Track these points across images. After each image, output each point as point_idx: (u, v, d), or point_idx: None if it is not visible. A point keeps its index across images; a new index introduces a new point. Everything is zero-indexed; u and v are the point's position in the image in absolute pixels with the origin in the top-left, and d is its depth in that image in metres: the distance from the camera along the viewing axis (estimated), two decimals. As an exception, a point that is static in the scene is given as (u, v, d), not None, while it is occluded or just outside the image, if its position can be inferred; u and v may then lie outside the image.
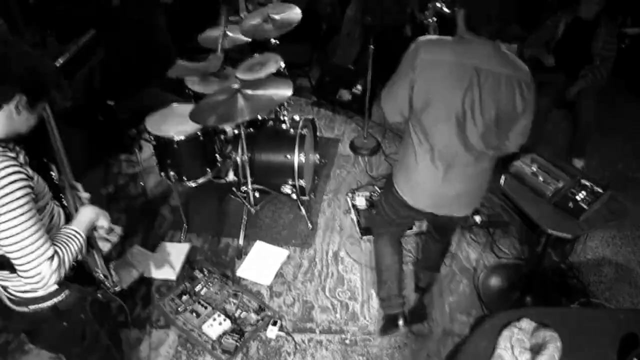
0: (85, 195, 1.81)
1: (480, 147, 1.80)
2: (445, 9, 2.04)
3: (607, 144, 3.80)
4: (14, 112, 1.39)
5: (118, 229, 3.02)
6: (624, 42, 4.25)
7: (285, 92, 2.56)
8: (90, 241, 1.72)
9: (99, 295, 1.70)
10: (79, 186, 1.83)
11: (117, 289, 1.76)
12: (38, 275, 1.37)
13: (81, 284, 1.62)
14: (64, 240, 1.48)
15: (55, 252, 1.42)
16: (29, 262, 1.36)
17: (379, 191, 3.21)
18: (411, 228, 2.92)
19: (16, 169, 1.36)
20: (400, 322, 2.33)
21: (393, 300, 2.35)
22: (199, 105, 2.60)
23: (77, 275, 1.59)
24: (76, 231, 1.54)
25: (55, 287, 1.55)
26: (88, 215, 1.64)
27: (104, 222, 1.69)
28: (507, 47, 3.52)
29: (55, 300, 1.59)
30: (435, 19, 2.06)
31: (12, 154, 1.40)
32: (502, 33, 1.71)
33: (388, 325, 2.40)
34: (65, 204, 1.71)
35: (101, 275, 1.70)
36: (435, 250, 2.55)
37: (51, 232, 1.54)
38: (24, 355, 2.36)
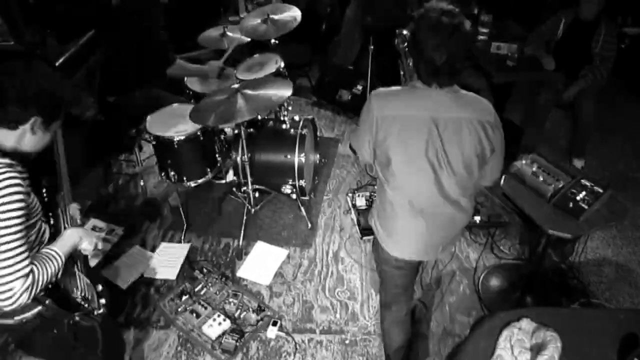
0: (75, 206, 1.82)
1: (457, 194, 1.72)
2: None
3: (607, 144, 3.80)
4: (28, 132, 1.44)
5: (118, 229, 3.04)
6: (624, 42, 4.26)
7: (284, 92, 2.55)
8: (76, 261, 1.73)
9: (76, 317, 1.67)
10: (73, 208, 1.83)
11: (101, 311, 1.74)
12: (9, 291, 1.37)
13: (59, 306, 1.61)
14: (43, 260, 1.48)
15: (32, 270, 1.42)
16: (3, 276, 1.36)
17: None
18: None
19: (18, 181, 1.39)
20: None
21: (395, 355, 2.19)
22: (198, 105, 2.59)
23: (54, 296, 1.58)
24: (57, 252, 1.54)
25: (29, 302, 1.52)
26: (72, 238, 1.64)
27: (87, 245, 1.69)
28: (507, 47, 3.56)
29: (20, 317, 1.57)
30: (405, 44, 2.03)
31: (19, 168, 1.43)
32: (455, 79, 1.62)
33: None
34: (53, 222, 1.72)
35: (79, 298, 1.67)
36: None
37: (34, 250, 1.55)
38: (24, 356, 2.35)
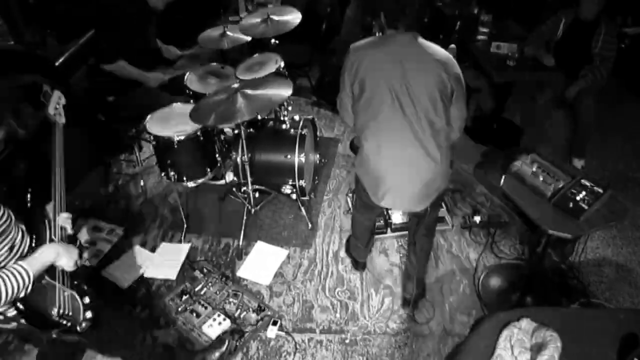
0: (65, 216, 1.78)
1: (426, 129, 1.92)
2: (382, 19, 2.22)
3: (607, 143, 3.80)
4: None
5: (118, 229, 3.04)
6: (624, 42, 4.25)
7: (284, 92, 2.55)
8: (57, 275, 1.67)
9: (53, 335, 1.65)
10: (63, 218, 1.78)
11: (84, 325, 1.69)
12: None
13: (34, 325, 1.59)
14: (4, 276, 1.46)
15: None
16: None
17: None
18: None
19: None
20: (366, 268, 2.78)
21: (361, 251, 2.71)
22: (198, 105, 2.59)
23: (28, 315, 1.56)
24: (24, 268, 1.50)
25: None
26: (46, 255, 1.60)
27: (66, 262, 1.65)
28: (507, 47, 3.55)
29: (12, 325, 1.57)
30: (381, 33, 2.24)
31: None
32: (418, 23, 1.95)
33: (356, 266, 2.81)
34: (35, 235, 1.69)
35: (55, 316, 1.63)
36: (420, 249, 2.45)
37: (7, 263, 1.53)
38: (24, 356, 2.35)
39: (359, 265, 2.81)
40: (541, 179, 2.20)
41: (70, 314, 1.67)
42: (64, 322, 1.64)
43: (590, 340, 1.62)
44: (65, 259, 1.64)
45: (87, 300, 1.72)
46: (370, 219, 2.57)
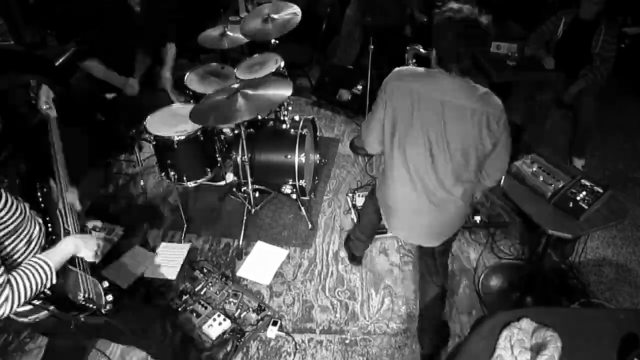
0: (72, 192, 1.83)
1: (450, 179, 1.82)
2: (422, 50, 2.14)
3: (607, 143, 3.80)
4: None
5: (118, 229, 3.04)
6: (624, 42, 4.26)
7: (284, 92, 2.55)
8: (78, 262, 1.71)
9: (82, 318, 1.68)
10: (70, 196, 1.83)
11: (108, 308, 1.74)
12: None
13: (62, 310, 1.61)
14: (26, 270, 1.47)
15: (8, 281, 1.41)
16: None
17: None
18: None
19: None
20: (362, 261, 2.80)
21: (359, 245, 2.72)
22: (198, 105, 2.59)
23: (56, 302, 1.59)
24: (45, 262, 1.52)
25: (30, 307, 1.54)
26: (66, 248, 1.63)
27: (86, 252, 1.68)
28: (507, 47, 3.55)
29: (33, 317, 1.59)
30: (414, 60, 2.18)
31: None
32: (470, 70, 1.75)
33: (352, 260, 2.84)
34: (50, 226, 1.71)
35: (82, 300, 1.67)
36: (433, 287, 2.23)
37: (26, 258, 1.54)
38: (24, 355, 2.36)
39: (355, 259, 2.83)
40: (541, 179, 2.20)
41: (94, 297, 1.71)
42: (90, 305, 1.68)
43: (590, 340, 1.62)
44: (85, 250, 1.68)
45: (106, 284, 1.77)
46: (378, 217, 2.46)
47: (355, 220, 3.09)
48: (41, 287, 1.50)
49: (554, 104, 3.46)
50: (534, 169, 2.25)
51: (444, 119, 1.72)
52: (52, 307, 1.57)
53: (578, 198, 2.10)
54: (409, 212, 1.97)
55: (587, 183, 2.17)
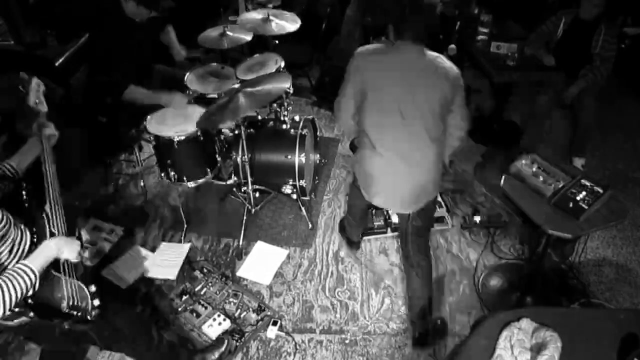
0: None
1: (422, 140, 1.99)
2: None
3: (608, 143, 3.80)
4: None
5: (118, 229, 3.04)
6: (624, 42, 4.25)
7: (283, 84, 2.58)
8: (63, 268, 1.68)
9: (66, 326, 1.66)
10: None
11: (94, 313, 1.71)
12: None
13: (44, 317, 1.60)
14: (9, 277, 1.46)
15: None
16: None
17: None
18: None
19: None
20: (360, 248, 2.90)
21: (353, 229, 2.80)
22: (205, 113, 2.59)
23: (37, 309, 1.57)
24: (28, 267, 1.51)
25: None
26: (48, 250, 1.61)
27: (68, 254, 1.65)
28: (507, 47, 3.55)
29: (18, 321, 1.58)
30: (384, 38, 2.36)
31: None
32: (425, 37, 1.95)
33: (350, 246, 2.91)
34: (36, 231, 1.69)
35: (66, 308, 1.65)
36: (418, 267, 2.29)
37: (10, 264, 1.53)
38: (24, 356, 2.36)
39: (353, 245, 2.89)
40: (541, 179, 2.20)
41: (80, 304, 1.68)
42: (75, 312, 1.66)
43: (590, 340, 1.62)
44: (67, 250, 1.65)
45: (93, 288, 1.73)
46: (363, 202, 2.46)
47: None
48: (25, 292, 1.49)
49: (554, 104, 3.46)
50: (534, 169, 2.25)
51: (408, 84, 1.92)
52: (31, 314, 1.56)
53: (578, 198, 2.10)
54: (386, 176, 2.10)
55: (587, 183, 2.17)
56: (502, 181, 2.28)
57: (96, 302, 1.72)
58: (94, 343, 1.93)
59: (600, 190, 2.14)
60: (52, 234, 1.71)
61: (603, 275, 2.79)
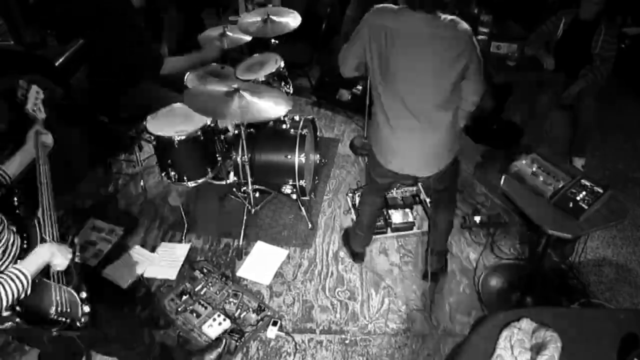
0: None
1: (439, 102, 1.98)
2: None
3: (608, 143, 3.80)
4: None
5: (118, 229, 3.04)
6: (624, 42, 4.25)
7: (281, 109, 2.44)
8: (52, 274, 1.67)
9: (54, 333, 1.65)
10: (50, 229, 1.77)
11: (83, 320, 1.70)
12: None
13: (32, 324, 1.59)
14: (2, 281, 1.46)
15: None
16: None
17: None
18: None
19: None
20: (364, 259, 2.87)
21: (360, 240, 2.77)
22: (194, 89, 2.54)
23: (25, 315, 1.56)
24: (21, 271, 1.50)
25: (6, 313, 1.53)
26: (42, 255, 1.60)
27: (60, 261, 1.65)
28: (507, 47, 3.55)
29: (3, 326, 1.57)
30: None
31: None
32: (438, 5, 1.89)
33: (354, 257, 2.87)
34: (26, 235, 1.67)
35: (54, 314, 1.64)
36: (438, 223, 2.58)
37: (2, 266, 1.53)
38: (24, 355, 2.36)
39: (357, 256, 2.86)
40: (541, 179, 2.20)
41: (69, 310, 1.67)
42: (63, 319, 1.65)
43: (590, 340, 1.62)
44: (60, 258, 1.64)
45: (83, 294, 1.72)
46: (376, 202, 2.61)
47: (355, 220, 3.10)
48: (17, 296, 1.48)
49: (554, 104, 3.46)
50: (534, 169, 2.24)
51: (425, 47, 1.88)
52: (18, 320, 1.55)
53: (578, 198, 2.10)
54: (403, 141, 2.10)
55: (587, 183, 2.17)
56: (502, 181, 2.28)
57: (86, 309, 1.71)
58: (84, 349, 1.93)
59: (600, 190, 2.14)
60: (43, 240, 1.70)
61: (603, 275, 2.79)
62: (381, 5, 2.00)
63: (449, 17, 1.90)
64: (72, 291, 1.70)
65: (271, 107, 2.44)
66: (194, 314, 2.51)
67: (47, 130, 1.93)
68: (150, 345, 1.99)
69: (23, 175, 1.86)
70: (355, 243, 2.82)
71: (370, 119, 2.22)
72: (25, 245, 1.66)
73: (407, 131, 2.06)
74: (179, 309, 2.53)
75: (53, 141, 1.94)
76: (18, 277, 1.49)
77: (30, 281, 1.52)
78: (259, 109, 2.43)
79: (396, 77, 1.95)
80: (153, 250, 2.91)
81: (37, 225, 1.71)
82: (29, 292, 1.52)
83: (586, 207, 2.07)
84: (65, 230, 1.80)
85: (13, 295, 1.47)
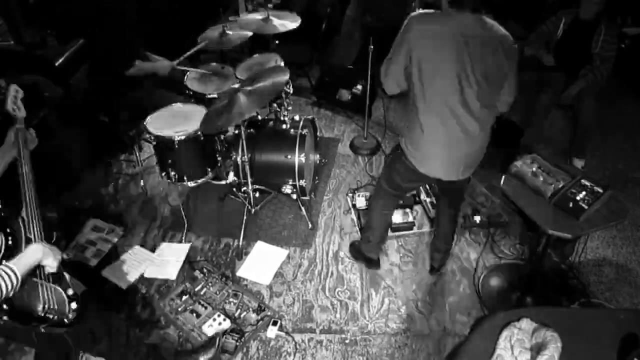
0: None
1: (477, 106, 1.98)
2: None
3: (607, 143, 3.80)
4: None
5: (118, 229, 3.04)
6: (624, 42, 4.25)
7: (282, 77, 2.57)
8: (38, 272, 1.68)
9: (42, 329, 1.66)
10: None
11: (71, 316, 1.71)
12: None
13: (18, 321, 1.60)
14: None
15: None
16: None
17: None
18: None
19: None
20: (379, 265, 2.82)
21: (373, 246, 2.72)
22: (206, 115, 2.59)
23: (11, 313, 1.57)
24: (10, 269, 1.51)
25: None
26: (34, 255, 1.61)
27: (50, 261, 1.66)
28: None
29: None
30: (421, 9, 2.25)
31: None
32: (481, 6, 1.92)
33: (370, 265, 2.81)
34: (10, 233, 1.69)
35: (41, 312, 1.65)
36: (445, 222, 2.63)
37: None
38: (24, 355, 2.36)
39: (372, 263, 2.79)
40: (541, 179, 2.20)
41: (56, 307, 1.69)
42: (51, 316, 1.66)
43: (590, 340, 1.62)
44: (50, 258, 1.66)
45: (70, 292, 1.74)
46: (389, 207, 2.60)
47: (355, 220, 3.10)
48: (5, 294, 1.49)
49: (554, 104, 3.46)
50: (534, 169, 2.24)
51: (467, 51, 1.88)
52: (5, 317, 1.56)
53: (578, 198, 2.10)
54: (444, 147, 2.09)
55: (587, 183, 2.17)
56: (502, 181, 2.28)
57: (74, 306, 1.72)
58: (72, 347, 1.93)
59: (600, 190, 2.14)
60: (27, 239, 1.71)
61: (603, 275, 2.79)
62: (419, 12, 2.03)
63: (491, 20, 1.94)
64: (59, 288, 1.72)
65: (274, 82, 2.56)
66: (194, 314, 2.51)
67: (28, 128, 1.93)
68: (137, 344, 2.00)
69: (1, 175, 1.87)
70: (369, 249, 2.75)
71: (407, 128, 2.18)
72: (10, 243, 1.67)
73: (448, 138, 2.05)
74: (179, 309, 2.53)
75: (36, 138, 1.95)
76: (8, 275, 1.50)
77: (20, 280, 1.53)
78: (265, 89, 2.53)
79: (440, 84, 1.95)
80: (153, 250, 2.91)
81: (21, 223, 1.72)
82: (17, 290, 1.53)
83: (586, 207, 2.07)
84: (49, 227, 1.81)
85: (2, 293, 1.47)
